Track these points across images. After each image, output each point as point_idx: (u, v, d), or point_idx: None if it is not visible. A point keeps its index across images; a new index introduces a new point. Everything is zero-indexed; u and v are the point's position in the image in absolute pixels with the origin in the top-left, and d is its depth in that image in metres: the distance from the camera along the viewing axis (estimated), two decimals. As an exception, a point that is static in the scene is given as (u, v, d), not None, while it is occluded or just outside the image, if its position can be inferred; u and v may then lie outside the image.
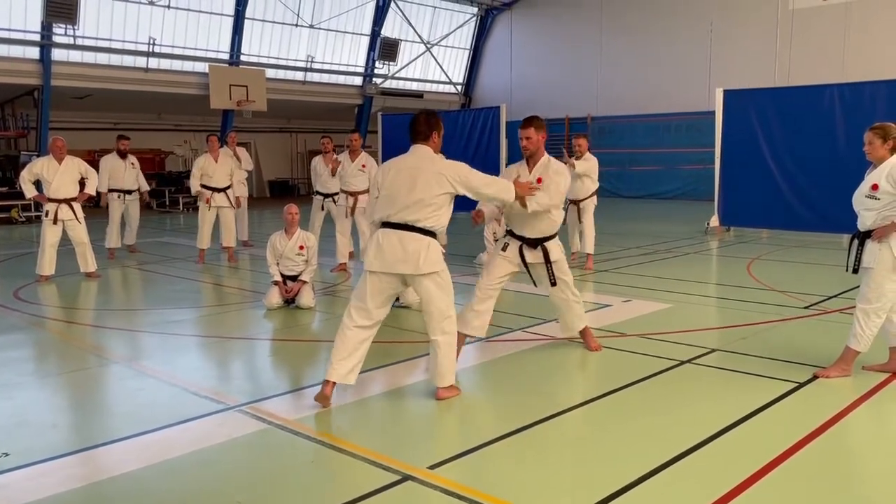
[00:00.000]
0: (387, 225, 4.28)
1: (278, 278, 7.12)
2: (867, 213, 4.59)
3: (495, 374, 5.01)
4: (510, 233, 5.19)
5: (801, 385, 4.56)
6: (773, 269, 9.16)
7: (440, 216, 4.28)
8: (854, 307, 4.73)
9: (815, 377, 4.68)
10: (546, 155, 5.14)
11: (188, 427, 4.02)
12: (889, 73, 13.93)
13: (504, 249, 5.17)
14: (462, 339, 5.00)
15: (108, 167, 10.97)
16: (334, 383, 4.26)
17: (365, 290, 4.30)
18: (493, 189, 4.48)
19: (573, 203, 9.38)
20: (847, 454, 3.73)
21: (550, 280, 5.15)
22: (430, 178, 4.23)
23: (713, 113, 13.01)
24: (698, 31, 21.38)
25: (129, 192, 11.16)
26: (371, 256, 4.30)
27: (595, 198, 9.39)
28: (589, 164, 9.22)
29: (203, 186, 10.26)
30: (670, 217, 16.33)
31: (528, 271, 5.21)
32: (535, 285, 5.27)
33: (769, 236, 12.35)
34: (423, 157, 4.34)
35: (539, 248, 5.10)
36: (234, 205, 10.67)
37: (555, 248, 5.15)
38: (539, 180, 4.99)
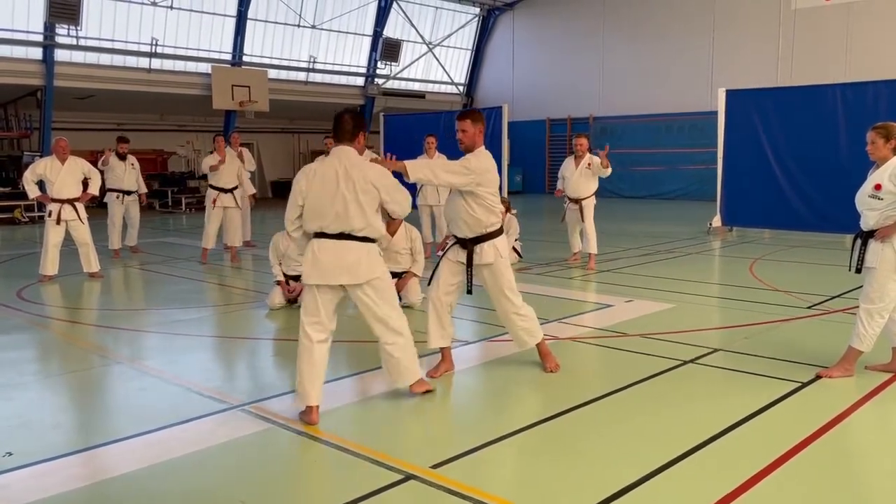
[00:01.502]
0: (321, 235, 4.08)
1: (281, 278, 7.12)
2: (870, 213, 4.58)
3: (497, 374, 5.00)
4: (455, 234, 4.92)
5: (803, 385, 4.55)
6: (776, 269, 9.15)
7: (375, 224, 4.10)
8: (857, 307, 4.72)
9: (817, 377, 4.67)
10: (482, 149, 4.74)
11: (191, 427, 4.02)
12: (892, 72, 13.92)
13: (442, 249, 4.93)
14: (447, 359, 4.91)
15: (108, 166, 11.06)
16: (317, 407, 4.11)
17: (312, 304, 4.11)
18: (406, 200, 4.26)
19: (574, 202, 9.37)
20: (850, 454, 3.73)
21: (466, 286, 4.77)
22: (359, 185, 4.01)
23: (715, 113, 13.00)
24: (700, 32, 21.37)
25: (129, 192, 11.19)
26: (308, 269, 4.08)
27: (594, 197, 9.38)
28: (596, 161, 9.23)
29: (211, 187, 10.32)
30: (672, 217, 16.32)
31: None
32: (468, 292, 4.84)
33: (771, 236, 12.34)
34: (350, 162, 4.07)
35: (468, 248, 4.72)
36: (250, 201, 10.75)
37: (489, 251, 4.71)
38: None
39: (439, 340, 4.85)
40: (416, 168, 4.52)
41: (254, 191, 11.74)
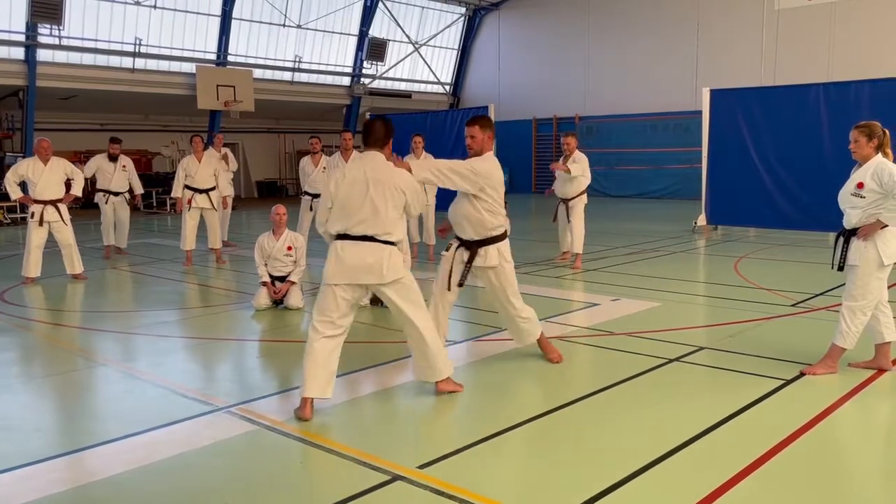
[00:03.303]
0: (344, 237, 4.18)
1: (266, 279, 7.10)
2: (853, 212, 4.63)
3: (484, 373, 5.00)
4: (457, 236, 4.97)
5: (787, 382, 4.59)
6: (760, 267, 9.22)
7: (399, 228, 4.22)
8: (840, 305, 4.76)
9: (801, 374, 4.71)
10: (489, 154, 4.83)
11: (176, 429, 4.00)
12: (874, 72, 14.06)
13: (447, 250, 4.94)
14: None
15: (95, 165, 11.05)
16: (312, 400, 4.15)
17: (327, 303, 4.19)
18: (423, 203, 4.46)
19: (563, 202, 9.40)
20: (834, 450, 3.75)
21: (459, 279, 4.82)
22: (388, 190, 4.13)
23: (700, 112, 13.07)
24: (685, 31, 21.48)
25: (116, 193, 11.09)
26: (332, 269, 4.18)
27: (585, 196, 9.41)
28: (583, 164, 9.27)
29: (186, 187, 10.15)
30: (658, 216, 16.39)
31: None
32: (460, 285, 4.89)
33: (756, 235, 12.42)
34: (379, 167, 4.20)
35: (472, 250, 4.80)
36: (222, 205, 10.60)
37: (493, 254, 4.79)
38: None
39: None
40: (421, 170, 4.60)
41: (229, 193, 11.44)
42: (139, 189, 11.58)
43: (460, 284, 4.85)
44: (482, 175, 4.67)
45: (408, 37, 25.24)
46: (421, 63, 26.26)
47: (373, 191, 4.12)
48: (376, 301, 7.06)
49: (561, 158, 9.46)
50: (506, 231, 4.91)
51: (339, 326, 4.21)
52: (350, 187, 4.16)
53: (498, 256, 4.80)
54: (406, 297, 4.27)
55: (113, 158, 11.10)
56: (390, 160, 4.34)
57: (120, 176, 11.10)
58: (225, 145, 12.47)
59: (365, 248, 4.14)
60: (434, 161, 4.76)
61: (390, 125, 4.37)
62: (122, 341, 6.10)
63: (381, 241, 4.16)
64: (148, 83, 19.46)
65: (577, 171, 9.13)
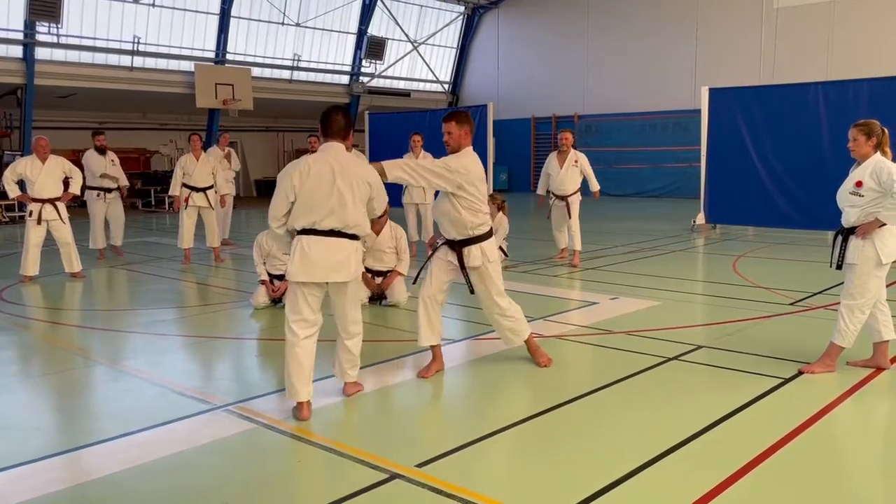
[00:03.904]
0: (310, 231, 4.05)
1: (265, 277, 7.09)
2: (851, 210, 4.63)
3: (481, 372, 5.00)
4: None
5: (786, 381, 4.59)
6: (759, 266, 9.22)
7: (364, 221, 4.16)
8: (838, 303, 4.76)
9: (800, 373, 4.71)
10: (468, 150, 4.72)
11: (174, 428, 3.99)
12: (872, 70, 14.06)
13: (435, 251, 4.89)
14: (438, 358, 4.90)
15: (87, 163, 10.66)
16: (309, 401, 4.13)
17: (297, 302, 4.10)
18: (385, 200, 4.37)
19: (560, 199, 9.39)
20: (832, 449, 3.75)
21: (469, 287, 4.79)
22: (354, 182, 4.06)
23: (699, 111, 13.07)
24: (684, 30, 21.48)
25: (110, 190, 10.78)
26: (297, 266, 4.04)
27: (579, 193, 9.43)
28: (587, 166, 9.34)
29: (184, 185, 10.08)
30: (656, 215, 16.40)
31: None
32: (471, 292, 4.84)
33: (755, 234, 12.43)
34: (344, 159, 4.10)
35: (457, 250, 4.71)
36: (220, 204, 10.54)
37: (476, 255, 4.68)
38: None
39: (430, 338, 4.82)
40: (393, 167, 4.49)
41: (227, 192, 11.14)
42: (125, 181, 11.04)
43: (471, 292, 4.80)
44: (458, 172, 4.55)
45: (407, 35, 25.21)
46: (420, 61, 26.24)
47: (340, 182, 4.02)
48: (374, 299, 7.07)
49: (556, 153, 9.47)
50: (490, 230, 4.81)
51: (313, 324, 4.17)
52: (316, 180, 4.02)
53: (481, 257, 4.69)
54: (354, 296, 4.27)
55: (101, 152, 10.70)
56: (350, 151, 4.26)
57: (111, 171, 10.74)
58: (228, 144, 12.44)
59: (333, 245, 4.05)
60: (408, 161, 4.66)
61: (349, 116, 4.27)
62: (121, 340, 6.09)
63: (348, 235, 4.09)
64: (146, 81, 19.43)
65: (595, 183, 9.50)
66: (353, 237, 4.12)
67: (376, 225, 6.85)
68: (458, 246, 4.70)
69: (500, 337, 5.08)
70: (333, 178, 4.02)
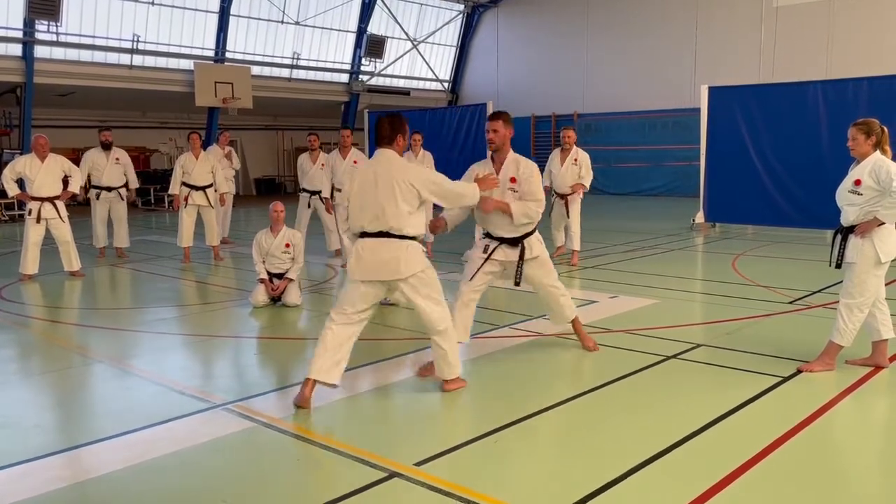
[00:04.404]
0: (365, 234, 4.29)
1: (264, 276, 7.09)
2: (850, 209, 4.63)
3: (481, 371, 5.01)
4: (488, 235, 5.02)
5: (785, 379, 4.59)
6: (758, 264, 9.22)
7: (415, 222, 4.29)
8: (837, 302, 4.77)
9: (798, 371, 4.71)
10: (512, 152, 5.00)
11: (173, 426, 4.00)
12: (872, 69, 14.04)
13: (485, 252, 4.98)
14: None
15: (89, 162, 10.36)
16: (314, 383, 4.20)
17: (348, 296, 4.33)
18: (460, 194, 4.50)
19: (560, 197, 9.39)
20: (831, 448, 3.76)
21: (516, 279, 4.95)
22: (396, 185, 4.20)
23: (698, 110, 13.06)
24: (683, 29, 21.47)
25: (110, 189, 10.47)
26: (352, 265, 4.32)
27: (578, 193, 9.42)
28: (587, 164, 9.33)
29: (183, 184, 10.02)
30: (656, 214, 16.40)
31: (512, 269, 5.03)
32: (517, 284, 5.00)
33: (754, 232, 12.43)
34: (389, 163, 4.30)
35: (518, 245, 4.94)
36: (220, 202, 10.52)
37: (535, 245, 5.00)
38: (513, 180, 4.88)
39: (462, 336, 4.99)
40: (519, 207, 4.85)
41: (226, 190, 10.99)
42: (134, 183, 10.80)
43: (517, 284, 4.97)
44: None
45: (406, 34, 25.20)
46: (419, 60, 26.22)
47: (381, 185, 4.21)
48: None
49: (559, 150, 9.47)
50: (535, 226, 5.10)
51: (352, 319, 4.32)
52: (361, 186, 4.28)
53: (540, 246, 5.03)
54: (421, 291, 4.32)
55: (106, 147, 10.45)
56: (401, 154, 4.41)
57: (113, 170, 10.45)
58: (228, 143, 12.43)
59: (382, 245, 4.25)
60: (532, 186, 4.87)
61: (396, 121, 4.41)
62: (120, 338, 6.10)
63: (398, 236, 4.23)
64: (146, 80, 19.42)
65: (587, 180, 9.35)
66: (405, 237, 4.26)
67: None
68: (518, 242, 4.93)
69: (553, 317, 5.34)
70: (375, 185, 4.24)
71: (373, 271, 4.26)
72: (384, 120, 4.40)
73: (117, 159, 10.56)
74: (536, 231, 5.04)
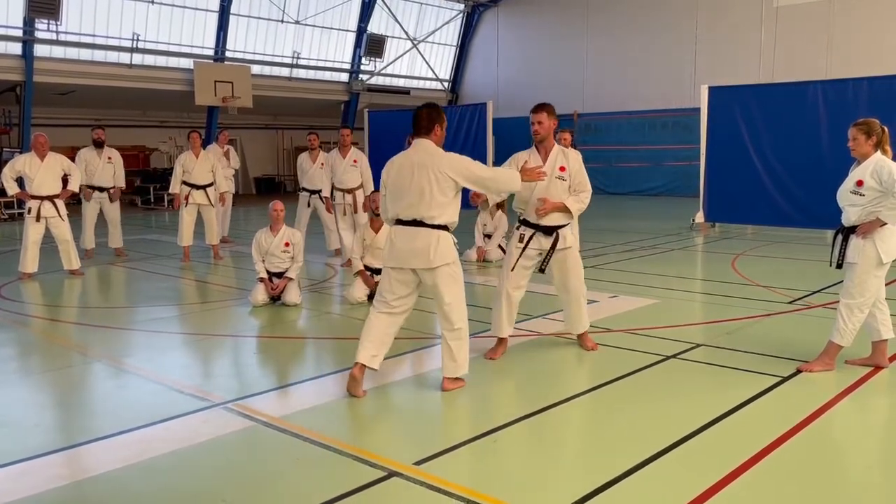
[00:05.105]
0: (399, 222, 4.37)
1: (264, 275, 7.09)
2: (851, 209, 4.62)
3: (481, 370, 5.00)
4: (525, 222, 5.10)
5: (784, 379, 4.59)
6: (758, 264, 9.22)
7: (449, 212, 4.34)
8: (837, 302, 4.76)
9: (798, 371, 4.71)
10: (556, 143, 5.14)
11: (173, 425, 3.99)
12: (872, 69, 14.04)
13: (521, 241, 5.07)
14: (504, 343, 5.15)
15: (83, 161, 10.18)
16: (363, 366, 4.34)
17: (384, 284, 4.45)
18: (499, 180, 4.55)
19: None
20: (830, 448, 3.76)
21: (542, 265, 5.05)
22: (432, 174, 4.27)
23: (698, 110, 13.06)
24: (684, 28, 21.46)
25: (102, 189, 10.31)
26: (386, 252, 4.43)
27: None
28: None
29: (183, 183, 10.00)
30: (656, 213, 16.40)
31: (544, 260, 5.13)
32: (542, 271, 5.11)
33: (754, 232, 12.43)
34: (425, 153, 4.36)
35: (553, 235, 5.03)
36: (220, 201, 10.50)
37: (569, 235, 5.13)
38: (562, 168, 5.03)
39: (508, 329, 5.17)
40: (573, 202, 5.04)
41: (226, 189, 10.95)
42: (121, 180, 10.56)
43: (541, 270, 5.06)
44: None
45: (406, 33, 25.19)
46: (419, 59, 26.22)
47: (417, 175, 4.28)
48: (374, 296, 7.06)
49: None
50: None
51: (393, 307, 4.40)
52: (398, 173, 4.36)
53: (573, 238, 5.15)
54: (447, 284, 4.36)
55: (98, 145, 10.31)
56: (440, 145, 4.46)
57: (106, 169, 10.29)
58: (228, 142, 12.42)
59: (415, 233, 4.31)
60: (582, 177, 5.08)
61: (433, 111, 4.47)
62: (119, 337, 6.09)
63: (430, 225, 4.28)
64: (146, 79, 19.41)
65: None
66: (440, 227, 4.31)
67: (375, 223, 6.99)
68: (555, 230, 5.01)
69: (569, 323, 5.36)
70: (412, 173, 4.29)
71: (403, 258, 4.33)
72: (422, 111, 4.46)
73: (109, 158, 10.42)
74: (568, 225, 5.12)
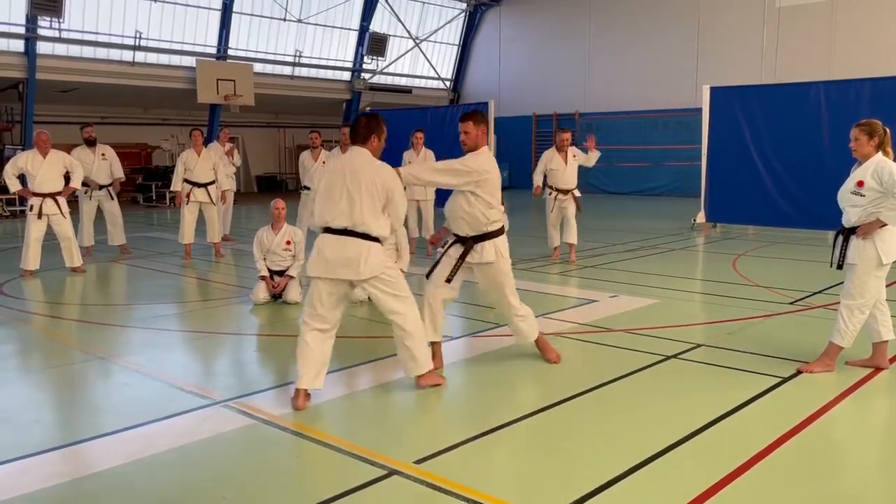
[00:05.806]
0: (327, 230, 4.22)
1: (265, 273, 7.10)
2: (852, 210, 4.63)
3: (480, 369, 5.01)
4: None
5: (785, 380, 4.59)
6: (759, 265, 9.22)
7: (377, 224, 4.20)
8: (838, 303, 4.77)
9: (798, 372, 4.71)
10: (484, 148, 4.79)
11: (173, 422, 4.00)
12: (874, 70, 14.05)
13: (444, 248, 4.90)
14: (438, 347, 4.90)
15: (78, 161, 9.73)
16: (306, 391, 4.20)
17: (313, 295, 4.26)
18: (401, 213, 4.37)
19: (564, 193, 9.34)
20: (830, 448, 3.76)
21: (448, 274, 4.73)
22: (364, 184, 4.14)
23: (700, 110, 13.05)
24: (686, 29, 21.46)
25: (101, 187, 10.20)
26: (312, 261, 4.25)
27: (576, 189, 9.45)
28: (580, 153, 9.36)
29: (185, 181, 9.99)
30: (657, 213, 16.39)
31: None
32: (448, 281, 4.81)
33: (755, 233, 12.42)
34: (361, 162, 4.23)
35: (467, 246, 4.73)
36: (220, 199, 10.50)
37: (489, 249, 4.70)
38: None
39: (432, 335, 4.81)
40: (412, 174, 4.71)
41: (227, 188, 10.93)
42: (120, 173, 10.42)
43: (448, 280, 4.77)
44: (477, 171, 4.62)
45: (408, 32, 25.19)
46: (421, 58, 26.22)
47: (349, 183, 4.15)
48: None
49: (554, 149, 9.47)
50: (503, 227, 4.84)
51: (326, 320, 4.25)
52: (329, 180, 4.23)
53: (495, 253, 4.72)
54: (386, 290, 4.28)
55: (90, 144, 10.15)
56: (377, 155, 4.33)
57: (100, 167, 10.16)
58: (229, 140, 12.42)
59: (345, 242, 4.17)
60: (427, 164, 4.72)
61: (373, 121, 4.34)
62: (121, 335, 6.10)
63: (360, 234, 4.16)
64: (148, 76, 19.43)
65: (593, 159, 9.41)
66: (370, 238, 4.18)
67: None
68: (470, 242, 4.73)
69: (513, 333, 5.12)
70: (344, 179, 4.16)
71: (331, 268, 4.18)
72: (362, 119, 4.36)
73: (103, 155, 10.31)
74: (501, 237, 4.79)
